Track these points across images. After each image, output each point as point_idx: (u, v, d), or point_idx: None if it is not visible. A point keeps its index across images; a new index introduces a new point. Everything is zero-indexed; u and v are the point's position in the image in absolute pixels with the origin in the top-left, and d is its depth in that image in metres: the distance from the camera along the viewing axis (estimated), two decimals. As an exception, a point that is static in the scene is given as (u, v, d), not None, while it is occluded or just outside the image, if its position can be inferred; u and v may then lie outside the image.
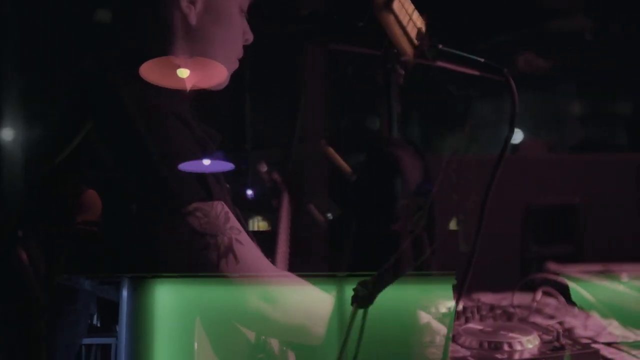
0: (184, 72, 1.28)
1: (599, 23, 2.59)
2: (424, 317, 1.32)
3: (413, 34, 1.07)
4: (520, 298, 1.77)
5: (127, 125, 1.21)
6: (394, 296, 1.19)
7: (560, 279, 1.76)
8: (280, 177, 1.87)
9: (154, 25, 1.36)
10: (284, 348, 1.39)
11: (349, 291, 1.20)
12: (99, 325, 1.38)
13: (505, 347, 1.39)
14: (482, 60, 1.05)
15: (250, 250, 1.22)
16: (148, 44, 1.36)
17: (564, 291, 1.77)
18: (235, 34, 1.44)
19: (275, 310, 1.22)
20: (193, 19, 1.36)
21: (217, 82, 1.41)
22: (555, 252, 2.05)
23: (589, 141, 2.57)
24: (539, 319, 1.69)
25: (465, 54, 1.06)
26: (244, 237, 1.23)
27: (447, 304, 1.37)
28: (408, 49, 1.06)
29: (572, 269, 1.96)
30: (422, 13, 1.10)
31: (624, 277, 1.85)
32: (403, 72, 1.00)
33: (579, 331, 1.62)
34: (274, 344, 1.38)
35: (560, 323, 1.65)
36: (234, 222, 1.22)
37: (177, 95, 1.33)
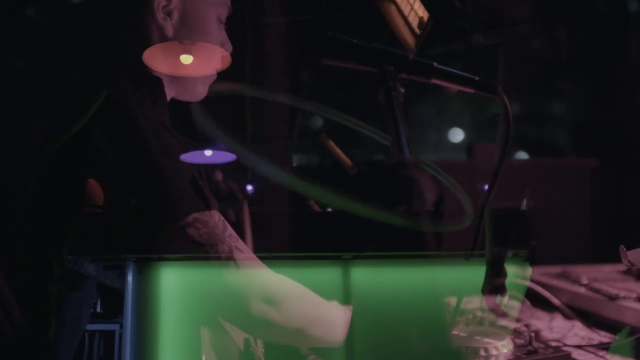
0: (187, 59, 1.28)
1: (549, 29, 2.67)
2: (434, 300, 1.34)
3: (415, 23, 1.08)
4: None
5: (124, 138, 1.20)
6: (402, 279, 1.21)
7: (525, 281, 1.81)
8: (238, 185, 1.85)
9: (131, 38, 1.34)
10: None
11: (354, 273, 1.22)
12: (101, 312, 1.37)
13: (482, 352, 1.42)
14: (477, 78, 1.07)
15: (249, 257, 1.23)
16: (126, 56, 1.34)
17: (528, 293, 1.81)
18: (213, 44, 1.43)
19: (280, 314, 1.23)
20: (169, 31, 1.35)
21: (221, 68, 1.40)
22: (514, 255, 2.10)
23: (542, 146, 2.65)
24: (504, 322, 1.73)
25: (459, 72, 1.08)
26: (242, 244, 1.23)
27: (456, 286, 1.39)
28: (410, 39, 1.08)
29: (532, 272, 2.02)
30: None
31: (583, 279, 1.92)
32: (403, 90, 1.01)
33: (545, 333, 1.67)
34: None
35: (527, 326, 1.70)
36: (231, 230, 1.23)
37: (160, 105, 1.33)
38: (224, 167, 1.56)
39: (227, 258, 1.19)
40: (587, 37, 2.72)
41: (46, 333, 1.21)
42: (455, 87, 1.08)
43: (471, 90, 1.08)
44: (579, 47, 2.71)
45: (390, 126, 0.96)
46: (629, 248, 1.46)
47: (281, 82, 1.98)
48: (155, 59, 1.27)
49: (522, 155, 2.63)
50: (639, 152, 2.37)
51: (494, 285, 1.27)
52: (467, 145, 2.66)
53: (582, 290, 1.85)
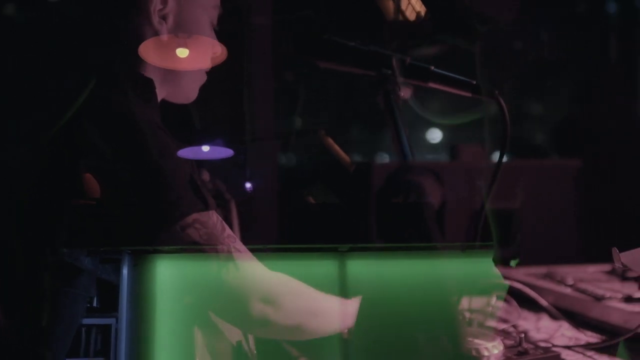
0: (183, 52, 1.29)
1: (531, 30, 2.68)
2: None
3: (412, 18, 1.09)
4: (474, 302, 1.82)
5: (123, 139, 1.20)
6: (398, 272, 1.21)
7: (511, 282, 1.82)
8: (224, 185, 1.85)
9: (126, 41, 1.34)
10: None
11: (350, 266, 1.24)
12: (98, 307, 1.36)
13: (473, 353, 1.43)
14: (474, 82, 1.08)
15: (247, 257, 1.23)
16: (120, 59, 1.34)
17: (514, 294, 1.83)
18: None
19: (278, 313, 1.24)
20: (165, 36, 1.35)
21: (218, 62, 1.41)
22: (500, 256, 2.12)
23: (525, 147, 2.67)
24: (492, 323, 1.74)
25: (456, 76, 1.08)
26: (239, 244, 1.24)
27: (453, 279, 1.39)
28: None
29: (517, 272, 2.04)
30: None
31: (568, 280, 1.94)
32: (402, 94, 1.01)
33: (533, 334, 1.68)
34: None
35: (515, 326, 1.72)
36: (229, 230, 1.24)
37: (151, 106, 1.33)
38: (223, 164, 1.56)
39: (226, 259, 1.20)
40: (569, 37, 2.74)
41: (39, 324, 1.21)
42: (452, 91, 1.08)
43: (468, 94, 1.08)
44: (562, 48, 2.73)
45: (391, 130, 0.96)
46: (611, 248, 1.47)
47: (268, 83, 1.97)
48: (149, 53, 1.27)
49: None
50: (621, 153, 2.39)
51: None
52: (451, 146, 2.66)
53: (568, 290, 1.86)
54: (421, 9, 1.13)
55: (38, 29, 1.41)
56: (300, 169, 2.12)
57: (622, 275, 1.94)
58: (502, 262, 2.00)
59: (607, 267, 2.07)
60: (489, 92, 1.08)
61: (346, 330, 1.32)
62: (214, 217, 1.22)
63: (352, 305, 1.33)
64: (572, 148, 2.60)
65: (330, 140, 1.57)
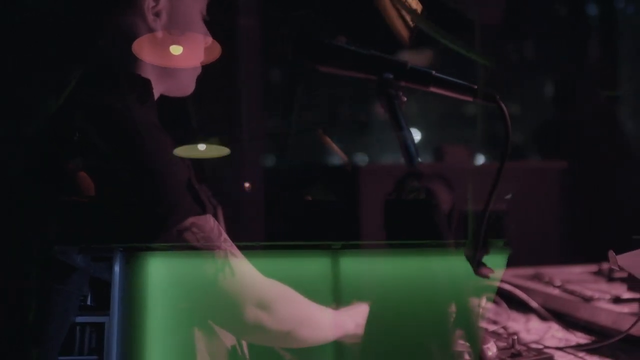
0: (177, 50, 1.28)
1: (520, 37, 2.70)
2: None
3: (408, 16, 1.09)
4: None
5: (121, 143, 1.19)
6: (392, 269, 1.21)
7: (501, 283, 1.83)
8: (209, 190, 1.85)
9: (120, 39, 1.32)
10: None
11: (343, 263, 1.24)
12: (92, 305, 1.35)
13: (467, 356, 1.43)
14: (475, 86, 1.08)
15: (242, 262, 1.23)
16: (115, 57, 1.33)
17: (503, 295, 1.84)
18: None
19: (270, 318, 1.24)
20: (159, 32, 1.35)
21: (213, 59, 1.41)
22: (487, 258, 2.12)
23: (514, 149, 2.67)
24: (482, 325, 1.75)
25: (457, 80, 1.08)
26: (236, 249, 1.24)
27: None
28: (404, 32, 1.08)
29: (505, 274, 2.05)
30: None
31: (556, 281, 1.95)
32: (405, 99, 1.01)
33: (523, 335, 1.69)
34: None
35: (505, 328, 1.72)
36: (225, 234, 1.23)
37: (148, 106, 1.32)
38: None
39: (223, 264, 1.19)
40: (549, 38, 2.76)
41: (26, 318, 1.20)
42: (453, 95, 1.08)
43: (470, 98, 1.08)
44: (542, 50, 2.75)
45: (396, 135, 0.96)
46: (601, 249, 1.48)
47: (257, 83, 1.97)
48: (143, 51, 1.27)
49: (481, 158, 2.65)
50: (606, 155, 2.42)
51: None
52: (435, 147, 2.66)
53: (556, 292, 1.87)
54: (417, 6, 1.13)
55: (32, 29, 1.40)
56: (297, 168, 2.12)
57: (609, 276, 1.96)
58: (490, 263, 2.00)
59: (594, 268, 2.09)
60: (490, 96, 1.09)
61: (342, 339, 1.32)
62: (210, 222, 1.21)
63: (347, 316, 1.33)
64: (556, 149, 2.61)
65: (329, 140, 1.57)
